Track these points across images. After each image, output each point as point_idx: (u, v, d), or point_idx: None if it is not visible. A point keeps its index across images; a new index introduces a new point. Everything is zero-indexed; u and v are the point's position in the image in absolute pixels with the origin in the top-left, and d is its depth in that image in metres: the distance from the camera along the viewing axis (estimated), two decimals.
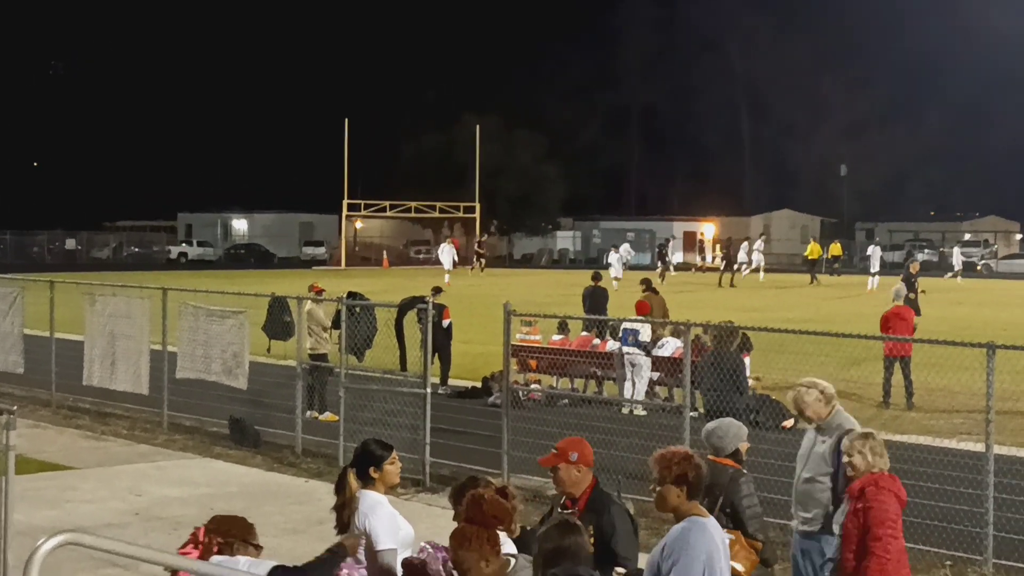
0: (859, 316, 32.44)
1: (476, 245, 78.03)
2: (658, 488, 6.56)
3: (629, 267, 61.29)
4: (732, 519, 8.12)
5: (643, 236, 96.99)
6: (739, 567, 7.75)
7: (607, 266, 52.15)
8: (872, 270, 54.89)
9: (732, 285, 54.82)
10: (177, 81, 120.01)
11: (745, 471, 8.55)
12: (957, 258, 66.78)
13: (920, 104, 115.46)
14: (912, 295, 27.70)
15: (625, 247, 63.14)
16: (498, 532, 6.25)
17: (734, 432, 8.61)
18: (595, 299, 26.59)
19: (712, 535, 6.47)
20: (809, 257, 61.35)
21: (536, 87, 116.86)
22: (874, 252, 57.56)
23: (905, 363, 20.37)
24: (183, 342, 18.18)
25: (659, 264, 62.67)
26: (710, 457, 8.33)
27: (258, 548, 6.51)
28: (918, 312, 27.46)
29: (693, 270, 70.60)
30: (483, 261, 75.23)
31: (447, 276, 55.72)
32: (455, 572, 6.18)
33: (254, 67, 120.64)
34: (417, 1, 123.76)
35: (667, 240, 69.13)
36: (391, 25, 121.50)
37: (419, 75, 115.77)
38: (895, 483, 8.01)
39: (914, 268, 30.58)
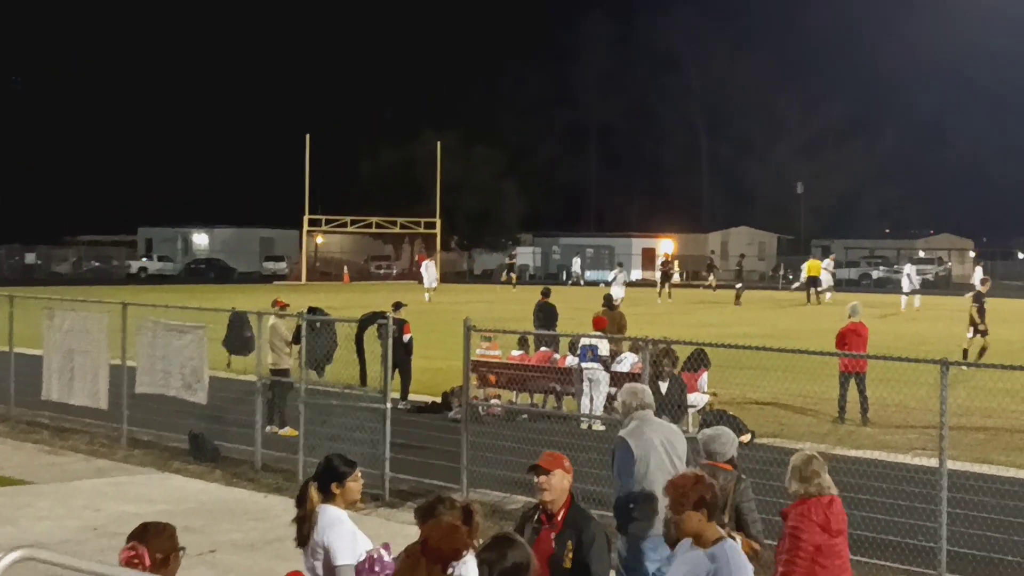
0: (817, 332, 32.68)
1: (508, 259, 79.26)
2: (677, 517, 6.48)
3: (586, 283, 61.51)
4: (736, 521, 8.29)
5: (602, 252, 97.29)
6: None
7: (571, 283, 51.95)
8: (906, 289, 53.15)
9: (669, 298, 55.42)
10: (138, 96, 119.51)
11: (743, 476, 8.78)
12: (913, 278, 66.04)
13: (875, 122, 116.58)
14: (979, 314, 27.74)
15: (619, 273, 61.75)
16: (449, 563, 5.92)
17: (732, 439, 8.86)
18: (547, 314, 26.77)
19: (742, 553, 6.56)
20: (809, 275, 58.22)
21: (495, 104, 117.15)
22: (911, 271, 55.91)
23: (860, 379, 20.52)
24: (142, 357, 18.11)
25: (661, 282, 59.18)
26: (709, 463, 8.49)
27: (182, 549, 6.47)
28: (982, 332, 27.68)
29: (703, 287, 67.78)
30: (514, 276, 75.14)
31: (427, 294, 54.99)
32: None
33: (215, 82, 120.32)
34: (378, 19, 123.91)
35: (666, 255, 66.60)
36: (352, 42, 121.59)
37: (379, 92, 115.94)
38: (827, 508, 7.77)
39: (985, 286, 30.62)
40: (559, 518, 7.13)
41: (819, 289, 56.70)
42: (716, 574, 6.34)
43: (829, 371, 20.75)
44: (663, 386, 13.88)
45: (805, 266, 59.85)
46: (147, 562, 6.21)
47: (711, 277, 67.03)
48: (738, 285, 55.88)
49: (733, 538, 6.85)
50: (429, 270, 59.21)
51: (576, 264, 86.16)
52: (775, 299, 57.63)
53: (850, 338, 20.93)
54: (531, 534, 7.02)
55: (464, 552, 5.91)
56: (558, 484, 7.21)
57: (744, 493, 8.50)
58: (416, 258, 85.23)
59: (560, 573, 6.85)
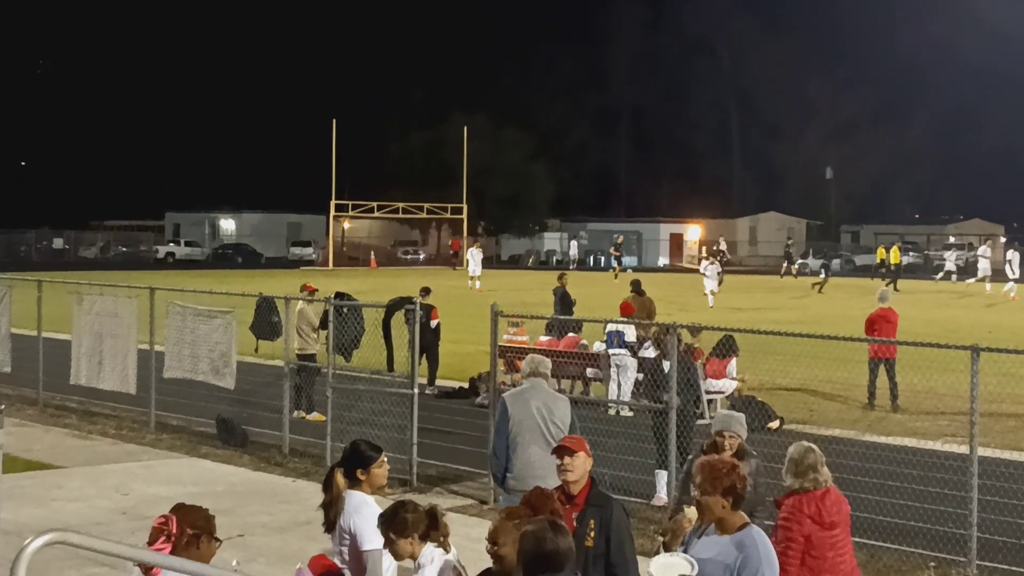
0: (846, 318, 32.52)
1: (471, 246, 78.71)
2: (703, 498, 6.46)
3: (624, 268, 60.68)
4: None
5: (631, 238, 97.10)
6: None
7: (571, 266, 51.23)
8: (1012, 275, 52.29)
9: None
10: (165, 81, 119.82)
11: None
12: (951, 262, 65.88)
13: (906, 107, 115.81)
14: None
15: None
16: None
17: (744, 420, 9.28)
18: (564, 300, 26.84)
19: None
20: (892, 262, 57.41)
21: (525, 87, 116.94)
22: (1014, 257, 54.94)
23: (890, 365, 20.42)
24: (171, 342, 18.17)
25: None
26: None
27: (219, 541, 6.47)
28: None
29: (782, 275, 63.95)
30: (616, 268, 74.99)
31: (477, 282, 53.33)
32: None
33: (242, 67, 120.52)
34: (405, 1, 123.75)
35: (716, 242, 62.51)
36: (379, 25, 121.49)
37: (407, 75, 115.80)
38: (820, 502, 7.62)
39: None
40: (581, 499, 7.22)
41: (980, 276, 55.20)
42: (746, 561, 6.28)
43: (859, 357, 20.64)
44: (666, 365, 13.82)
45: (891, 252, 58.53)
46: (174, 529, 6.22)
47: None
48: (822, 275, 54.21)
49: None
50: (475, 257, 56.85)
51: (573, 248, 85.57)
52: (803, 285, 57.32)
53: (879, 324, 20.83)
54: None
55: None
56: (581, 466, 7.32)
57: (759, 472, 9.05)
58: (450, 243, 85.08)
59: (583, 551, 6.91)
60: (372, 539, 7.22)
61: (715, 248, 64.26)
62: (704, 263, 51.46)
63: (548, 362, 10.45)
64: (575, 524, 7.06)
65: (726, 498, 6.41)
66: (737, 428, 8.96)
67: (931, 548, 11.68)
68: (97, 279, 26.84)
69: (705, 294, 44.29)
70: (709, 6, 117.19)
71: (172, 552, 6.10)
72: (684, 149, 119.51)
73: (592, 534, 7.04)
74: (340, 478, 7.55)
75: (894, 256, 58.60)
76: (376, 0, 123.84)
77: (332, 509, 7.50)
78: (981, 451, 11.71)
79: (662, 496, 13.62)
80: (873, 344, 19.79)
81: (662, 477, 13.75)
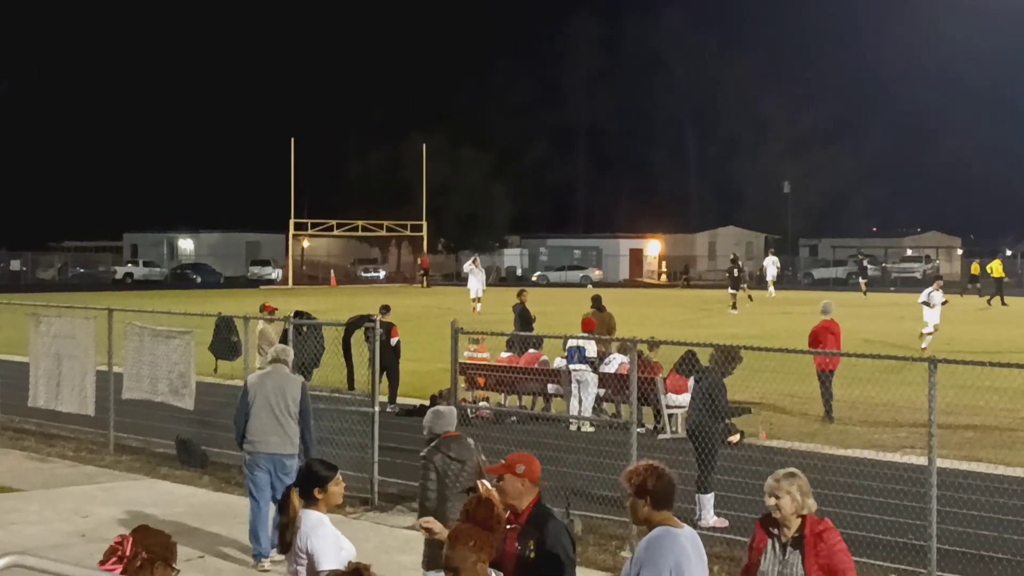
0: (804, 332, 32.66)
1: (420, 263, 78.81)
2: (628, 503, 6.62)
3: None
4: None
5: (589, 254, 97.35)
6: None
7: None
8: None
9: (750, 299, 53.43)
10: (122, 101, 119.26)
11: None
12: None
13: (863, 121, 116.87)
14: None
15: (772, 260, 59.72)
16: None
17: (452, 413, 10.37)
18: (524, 316, 26.89)
19: (683, 544, 6.50)
20: (993, 276, 54.83)
21: (482, 105, 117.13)
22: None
23: (830, 376, 20.66)
24: (129, 363, 18.04)
25: (736, 285, 50.49)
26: (444, 435, 9.88)
27: (175, 570, 6.33)
28: None
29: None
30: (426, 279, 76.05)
31: (477, 304, 47.94)
32: None
33: (200, 86, 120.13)
34: (363, 20, 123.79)
35: (734, 257, 57.24)
36: (337, 43, 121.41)
37: (365, 93, 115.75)
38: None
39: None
40: (523, 517, 7.27)
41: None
42: (636, 556, 6.54)
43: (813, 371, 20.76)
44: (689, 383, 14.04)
45: (990, 267, 56.49)
46: (128, 551, 6.13)
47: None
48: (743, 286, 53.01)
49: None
50: (477, 276, 50.21)
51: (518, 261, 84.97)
52: (761, 299, 57.59)
53: (823, 336, 21.03)
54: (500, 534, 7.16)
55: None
56: (509, 488, 7.32)
57: (480, 452, 9.91)
58: (419, 261, 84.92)
59: (526, 567, 6.99)
60: (329, 559, 7.20)
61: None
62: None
63: (291, 351, 13.13)
64: (517, 542, 7.12)
65: (642, 498, 6.55)
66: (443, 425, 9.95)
67: (891, 559, 11.75)
68: (55, 301, 26.67)
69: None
70: (665, 23, 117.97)
71: (123, 574, 6.02)
72: (642, 165, 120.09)
73: (532, 551, 7.09)
74: (296, 498, 7.53)
75: (997, 270, 55.71)
76: (334, 19, 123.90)
77: (288, 530, 7.47)
78: (940, 462, 11.79)
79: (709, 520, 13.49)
80: (819, 356, 19.99)
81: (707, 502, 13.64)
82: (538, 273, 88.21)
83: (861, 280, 61.35)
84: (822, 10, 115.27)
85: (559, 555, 7.19)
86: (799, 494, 7.00)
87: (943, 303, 31.27)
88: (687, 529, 6.66)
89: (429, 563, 9.61)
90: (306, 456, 12.27)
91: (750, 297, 52.01)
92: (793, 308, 48.89)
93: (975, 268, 60.77)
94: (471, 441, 9.99)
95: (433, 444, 9.97)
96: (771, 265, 60.34)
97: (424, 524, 7.61)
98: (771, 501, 7.02)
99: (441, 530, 7.33)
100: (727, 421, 14.35)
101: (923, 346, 30.33)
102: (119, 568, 6.08)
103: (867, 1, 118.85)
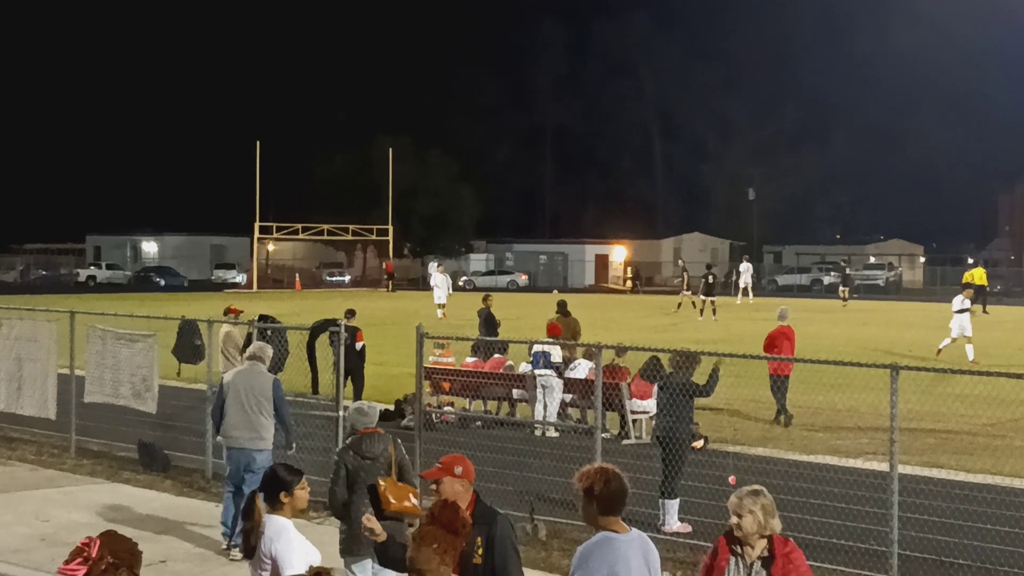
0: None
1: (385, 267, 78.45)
2: (580, 504, 6.62)
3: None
4: (399, 474, 10.09)
5: (555, 259, 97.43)
6: None
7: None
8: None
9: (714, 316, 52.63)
10: (85, 101, 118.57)
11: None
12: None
13: (826, 128, 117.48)
14: None
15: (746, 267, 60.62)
16: None
17: (375, 409, 10.55)
18: (489, 321, 26.91)
19: (621, 551, 6.46)
20: (977, 283, 52.48)
21: (448, 109, 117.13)
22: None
23: (784, 381, 20.80)
24: (91, 366, 17.92)
25: (710, 291, 49.00)
26: (363, 432, 10.16)
27: None
28: None
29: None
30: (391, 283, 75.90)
31: (441, 311, 47.08)
32: None
33: (164, 87, 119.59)
34: (329, 22, 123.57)
35: (709, 264, 56.73)
36: (303, 46, 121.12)
37: (331, 96, 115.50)
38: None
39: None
40: None
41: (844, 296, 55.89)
42: (575, 562, 6.56)
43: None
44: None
45: (971, 275, 54.56)
46: (94, 553, 6.08)
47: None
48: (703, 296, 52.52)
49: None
50: (440, 282, 49.43)
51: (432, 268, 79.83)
52: (726, 304, 57.81)
53: (780, 341, 21.21)
54: None
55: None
56: (448, 490, 7.30)
57: (400, 448, 10.27)
58: (384, 265, 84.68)
59: (471, 569, 6.94)
60: (293, 564, 7.18)
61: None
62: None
63: (269, 349, 13.70)
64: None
65: (589, 501, 6.56)
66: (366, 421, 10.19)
67: (853, 565, 11.80)
68: (16, 303, 26.45)
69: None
70: (631, 28, 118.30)
71: None
72: (608, 170, 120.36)
73: (480, 551, 7.07)
74: (260, 503, 7.50)
75: (979, 277, 54.46)
76: (298, 21, 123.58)
77: (253, 535, 7.44)
78: (901, 468, 11.86)
79: (672, 525, 13.49)
80: (772, 362, 20.13)
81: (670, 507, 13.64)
82: (464, 278, 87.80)
83: (843, 288, 61.59)
84: (788, 17, 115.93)
85: (509, 550, 7.20)
86: (762, 513, 6.79)
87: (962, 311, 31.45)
88: (633, 534, 6.60)
89: (345, 550, 9.83)
90: (287, 445, 13.06)
91: (693, 304, 51.64)
92: (757, 314, 49.11)
93: (968, 276, 60.30)
94: (389, 436, 10.27)
95: (347, 443, 10.35)
96: (746, 272, 60.43)
97: (366, 523, 7.56)
98: (734, 519, 6.83)
99: (381, 531, 7.29)
100: (692, 426, 14.39)
101: (940, 346, 30.74)
102: (83, 570, 6.03)
103: (832, 9, 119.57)
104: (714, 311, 47.70)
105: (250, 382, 13.06)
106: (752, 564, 6.80)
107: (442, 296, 48.58)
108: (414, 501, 9.81)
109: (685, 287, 54.42)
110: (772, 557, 6.75)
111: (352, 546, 9.80)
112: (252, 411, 12.95)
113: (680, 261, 64.23)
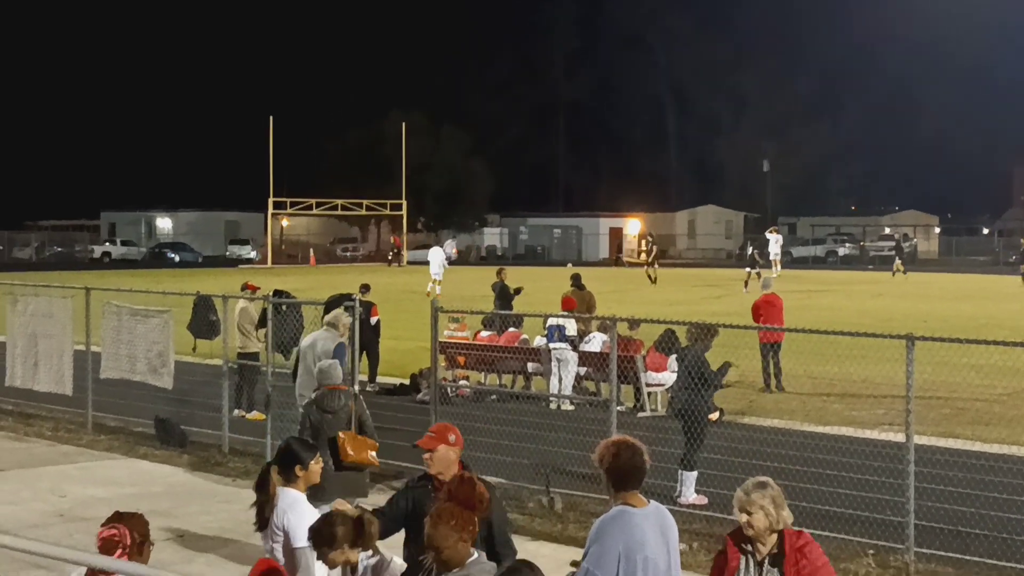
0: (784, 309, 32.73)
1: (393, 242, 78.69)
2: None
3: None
4: (359, 428, 11.06)
5: (569, 232, 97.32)
6: None
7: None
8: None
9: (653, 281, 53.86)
10: (100, 80, 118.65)
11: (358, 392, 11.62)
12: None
13: (841, 99, 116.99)
14: None
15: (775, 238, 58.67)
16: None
17: (338, 367, 11.78)
18: (504, 294, 26.83)
19: (637, 523, 6.40)
20: None
21: (462, 84, 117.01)
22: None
23: (776, 349, 21.18)
24: (107, 342, 17.95)
25: (753, 264, 49.04)
26: (328, 387, 11.26)
27: (152, 544, 6.44)
28: None
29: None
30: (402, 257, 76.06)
31: (433, 284, 45.84)
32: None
33: (178, 64, 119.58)
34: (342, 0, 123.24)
35: (755, 238, 56.83)
36: (316, 22, 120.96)
37: (344, 72, 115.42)
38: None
39: None
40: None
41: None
42: (591, 535, 6.50)
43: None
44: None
45: None
46: (128, 541, 6.17)
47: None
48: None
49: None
50: (436, 255, 48.20)
51: (449, 246, 70.25)
52: (741, 277, 57.66)
53: (765, 309, 21.71)
54: (426, 500, 7.12)
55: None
56: (443, 457, 7.43)
57: (361, 404, 11.21)
58: (392, 240, 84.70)
59: None
60: (305, 536, 7.20)
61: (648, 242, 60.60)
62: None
63: (346, 317, 14.19)
64: None
65: (607, 476, 6.52)
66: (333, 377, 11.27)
67: (869, 536, 11.79)
68: (32, 280, 26.51)
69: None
70: (644, 1, 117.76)
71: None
72: (622, 144, 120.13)
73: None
74: (275, 476, 7.54)
75: None
76: None
77: (267, 507, 7.47)
78: (917, 439, 11.83)
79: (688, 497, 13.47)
80: (762, 331, 20.24)
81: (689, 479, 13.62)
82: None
83: (898, 260, 60.80)
84: None
85: (504, 522, 7.26)
86: (772, 507, 6.37)
87: None
88: (651, 507, 6.50)
89: (310, 496, 9.77)
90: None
91: (652, 277, 52.93)
92: (780, 286, 49.05)
93: None
94: (352, 392, 11.18)
95: (311, 399, 11.14)
96: (775, 243, 59.79)
97: (337, 507, 7.47)
98: (743, 517, 6.40)
99: (352, 509, 7.25)
100: (709, 400, 14.36)
101: None
102: (125, 556, 6.13)
103: None
104: (746, 284, 47.54)
105: (318, 343, 13.98)
106: (763, 562, 6.43)
107: (438, 272, 47.17)
108: (372, 455, 10.56)
109: (649, 260, 55.15)
110: (783, 553, 6.38)
111: (317, 492, 9.79)
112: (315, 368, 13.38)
113: (649, 235, 63.28)
